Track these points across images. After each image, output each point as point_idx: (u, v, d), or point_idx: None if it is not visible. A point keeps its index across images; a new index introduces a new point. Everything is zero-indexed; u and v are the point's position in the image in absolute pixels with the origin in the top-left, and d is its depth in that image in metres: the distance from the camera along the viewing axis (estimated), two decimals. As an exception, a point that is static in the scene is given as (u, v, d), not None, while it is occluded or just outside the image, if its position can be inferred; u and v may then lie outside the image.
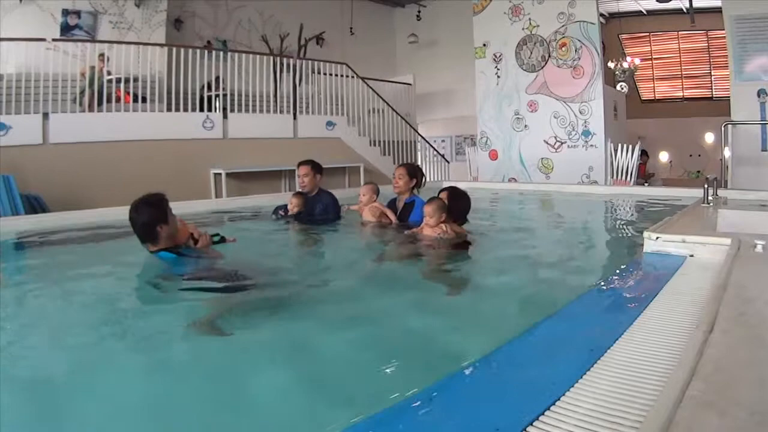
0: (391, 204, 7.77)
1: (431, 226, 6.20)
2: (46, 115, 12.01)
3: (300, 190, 8.46)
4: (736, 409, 1.75)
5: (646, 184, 15.58)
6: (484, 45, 16.69)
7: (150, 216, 4.99)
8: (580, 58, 14.74)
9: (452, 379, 2.37)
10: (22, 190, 10.69)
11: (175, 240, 5.19)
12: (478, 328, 3.68)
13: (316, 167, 8.50)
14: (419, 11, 23.37)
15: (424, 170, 18.41)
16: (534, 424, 1.92)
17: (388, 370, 2.92)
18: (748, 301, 2.88)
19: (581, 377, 2.24)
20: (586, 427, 1.87)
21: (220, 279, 4.86)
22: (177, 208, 7.82)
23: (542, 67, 15.50)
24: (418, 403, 2.14)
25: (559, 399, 2.07)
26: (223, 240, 5.96)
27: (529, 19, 15.62)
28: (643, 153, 17.47)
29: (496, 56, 16.43)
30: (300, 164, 8.57)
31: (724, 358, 2.16)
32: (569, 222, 8.80)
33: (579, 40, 14.69)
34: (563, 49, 15.00)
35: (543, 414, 1.97)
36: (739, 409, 1.74)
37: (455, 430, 1.95)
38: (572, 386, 2.16)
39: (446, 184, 12.54)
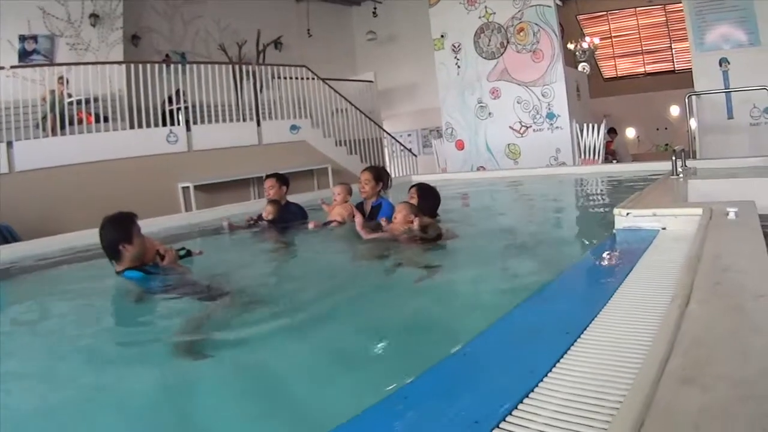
0: (359, 207, 7.69)
1: (399, 222, 6.19)
2: (9, 144, 11.91)
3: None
4: (718, 383, 1.71)
5: (614, 162, 15.66)
6: (442, 36, 16.69)
7: (113, 235, 5.00)
8: (538, 42, 14.79)
9: (428, 373, 2.33)
10: (-7, 221, 10.59)
11: (142, 259, 5.16)
12: (452, 320, 3.68)
13: (281, 179, 8.51)
14: (375, 8, 23.30)
15: (392, 166, 18.58)
16: (513, 413, 1.89)
17: (367, 369, 2.91)
18: (723, 269, 2.86)
19: (558, 361, 2.22)
20: (566, 412, 1.84)
21: (190, 293, 4.82)
22: (147, 224, 7.80)
23: (502, 54, 15.53)
24: (395, 400, 2.12)
25: (537, 385, 2.05)
26: (189, 254, 5.90)
27: (485, 6, 15.63)
28: (611, 130, 17.57)
29: (454, 46, 16.43)
30: (266, 177, 8.59)
31: (703, 331, 2.13)
32: (540, 206, 8.82)
33: (536, 24, 14.74)
34: (521, 34, 15.03)
35: (522, 402, 1.95)
36: (722, 383, 1.71)
37: (434, 426, 1.92)
38: (550, 371, 2.15)
39: (415, 179, 12.56)
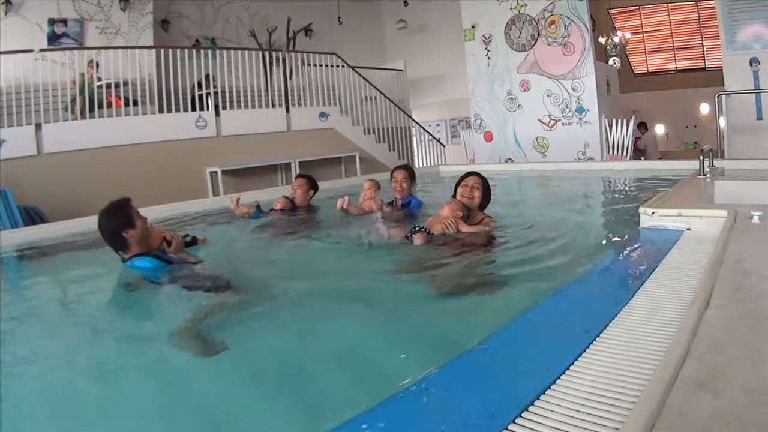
0: (389, 204, 7.69)
1: (445, 215, 5.68)
2: (38, 126, 12.01)
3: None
4: (731, 389, 1.73)
5: (642, 159, 15.60)
6: (473, 27, 16.65)
7: (114, 223, 4.93)
8: (569, 35, 14.71)
9: (447, 366, 2.37)
10: (20, 202, 10.68)
11: (147, 245, 5.12)
12: (473, 313, 3.67)
13: (311, 182, 8.43)
14: (406, -3, 23.19)
15: (420, 156, 18.65)
16: (529, 409, 1.93)
17: (383, 362, 2.89)
18: (745, 275, 2.86)
19: (576, 360, 2.25)
20: (582, 410, 1.88)
21: (198, 282, 4.77)
22: (173, 209, 7.81)
23: (532, 46, 15.48)
24: (415, 392, 2.16)
25: (554, 383, 2.09)
26: (195, 241, 5.85)
27: (517, -2, 15.57)
28: (641, 125, 17.54)
29: (485, 37, 16.40)
30: (297, 176, 8.57)
31: (720, 336, 2.14)
32: (566, 201, 8.73)
33: (568, 17, 14.66)
34: (552, 26, 14.97)
35: (538, 398, 1.99)
36: (735, 389, 1.73)
37: (451, 418, 1.96)
38: (567, 369, 2.18)
39: (442, 170, 12.56)
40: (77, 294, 5.09)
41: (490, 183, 6.27)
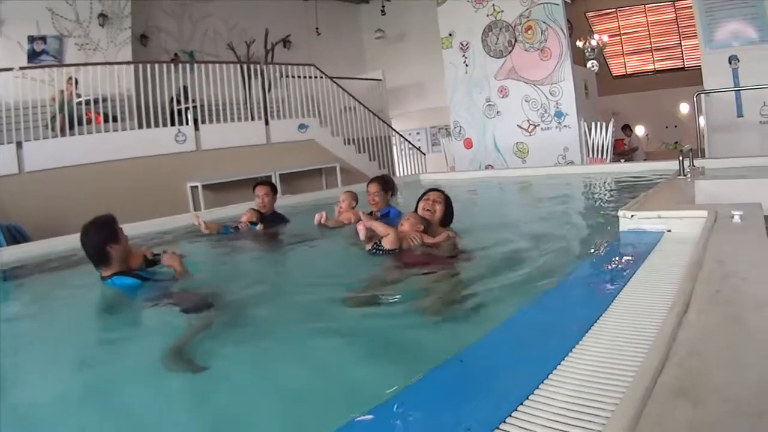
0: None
1: (406, 230, 5.68)
2: (19, 144, 11.99)
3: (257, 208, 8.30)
4: (711, 397, 1.69)
5: (622, 161, 15.62)
6: (450, 35, 16.68)
7: (99, 237, 4.93)
8: (546, 40, 14.76)
9: (422, 381, 2.34)
10: (2, 221, 10.61)
11: (128, 263, 5.13)
12: (450, 325, 3.64)
13: (273, 189, 8.51)
14: (383, 6, 23.16)
15: (400, 164, 18.64)
16: (507, 420, 1.89)
17: (362, 376, 2.87)
18: (725, 277, 2.83)
19: (554, 370, 2.21)
20: (560, 420, 1.85)
21: (181, 300, 4.72)
22: (155, 225, 7.76)
23: (509, 53, 15.51)
24: (389, 406, 2.12)
25: (532, 393, 2.04)
26: None
27: (493, 5, 15.62)
28: (626, 127, 17.65)
29: (462, 45, 16.43)
30: (258, 185, 8.50)
31: (699, 341, 2.11)
32: (546, 206, 8.71)
33: (544, 22, 14.71)
34: (529, 32, 15.00)
35: (515, 410, 1.95)
36: (715, 397, 1.69)
37: (426, 432, 1.93)
38: (545, 379, 2.14)
39: (422, 178, 12.55)
40: (59, 314, 5.03)
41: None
